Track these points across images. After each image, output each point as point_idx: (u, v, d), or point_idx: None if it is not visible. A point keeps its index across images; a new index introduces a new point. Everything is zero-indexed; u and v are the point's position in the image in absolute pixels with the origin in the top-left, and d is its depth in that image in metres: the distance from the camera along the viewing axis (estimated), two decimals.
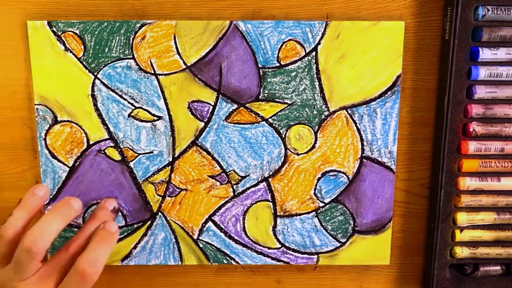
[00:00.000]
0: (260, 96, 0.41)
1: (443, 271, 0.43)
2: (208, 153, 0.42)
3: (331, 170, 0.42)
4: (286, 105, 0.41)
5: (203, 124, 0.41)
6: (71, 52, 0.40)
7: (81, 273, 0.34)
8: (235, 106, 0.41)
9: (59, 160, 0.41)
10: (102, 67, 0.40)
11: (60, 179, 0.42)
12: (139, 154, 0.42)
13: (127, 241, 0.43)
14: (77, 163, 0.41)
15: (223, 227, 0.43)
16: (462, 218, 0.42)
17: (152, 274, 0.44)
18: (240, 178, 0.42)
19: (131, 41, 0.40)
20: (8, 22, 0.40)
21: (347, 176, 0.42)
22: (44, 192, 0.37)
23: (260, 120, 0.41)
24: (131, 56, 0.40)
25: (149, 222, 0.43)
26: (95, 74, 0.40)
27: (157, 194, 0.42)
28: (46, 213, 0.36)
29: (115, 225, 0.37)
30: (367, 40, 0.40)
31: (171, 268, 0.44)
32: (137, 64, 0.40)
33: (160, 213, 0.42)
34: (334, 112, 0.41)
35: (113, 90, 0.41)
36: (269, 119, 0.41)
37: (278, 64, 0.40)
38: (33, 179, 0.42)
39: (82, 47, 0.40)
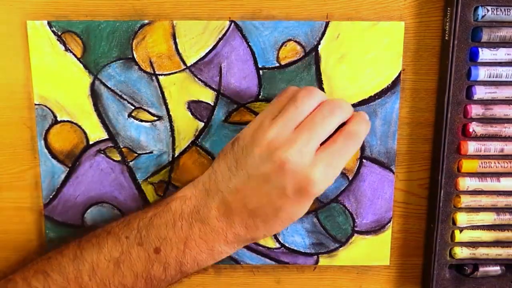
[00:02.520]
0: (260, 96, 0.41)
1: (442, 271, 0.43)
2: (208, 153, 0.42)
3: None
4: None
5: (203, 124, 0.41)
6: (71, 52, 0.40)
7: (351, 132, 0.35)
8: (235, 106, 0.41)
9: (58, 160, 0.41)
10: (102, 67, 0.40)
11: (60, 179, 0.42)
12: (139, 154, 0.42)
13: None
14: (77, 163, 0.41)
15: None
16: (461, 218, 0.42)
17: None
18: None
19: (131, 41, 0.40)
20: (8, 22, 0.40)
21: (346, 176, 0.42)
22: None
23: None
24: (131, 56, 0.40)
25: None
26: (95, 74, 0.40)
27: (157, 194, 0.42)
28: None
29: (367, 116, 0.38)
30: (367, 40, 0.40)
31: None
32: (137, 64, 0.40)
33: None
34: None
35: (113, 90, 0.40)
36: None
37: (278, 65, 0.40)
38: (32, 179, 0.42)
39: (82, 47, 0.40)
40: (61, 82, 0.40)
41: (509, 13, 0.38)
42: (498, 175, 0.41)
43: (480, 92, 0.40)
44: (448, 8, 0.39)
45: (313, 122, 0.34)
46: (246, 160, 0.34)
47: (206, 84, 0.41)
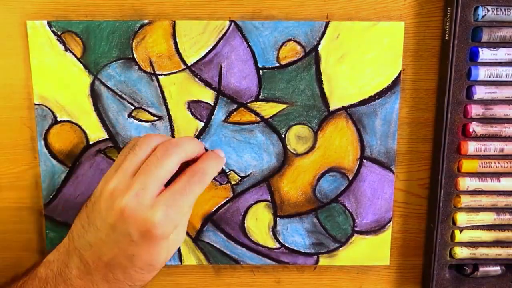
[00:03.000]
0: (260, 96, 0.41)
1: (442, 271, 0.43)
2: None
3: (331, 170, 0.42)
4: (286, 105, 0.41)
5: (202, 124, 0.41)
6: (71, 52, 0.40)
7: (196, 170, 0.35)
8: (235, 106, 0.41)
9: (58, 160, 0.41)
10: (102, 67, 0.40)
11: (60, 179, 0.42)
12: None
13: None
14: (77, 163, 0.41)
15: (222, 227, 0.43)
16: (461, 218, 0.42)
17: None
18: (240, 178, 0.42)
19: (131, 41, 0.40)
20: (8, 22, 0.40)
21: (346, 176, 0.42)
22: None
23: (260, 120, 0.41)
24: (131, 56, 0.40)
25: None
26: (95, 74, 0.40)
27: None
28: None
29: (223, 153, 0.39)
30: (367, 40, 0.40)
31: (171, 268, 0.44)
32: (137, 64, 0.40)
33: None
34: (334, 112, 0.41)
35: (112, 90, 0.40)
36: (269, 119, 0.41)
37: (278, 64, 0.40)
38: (32, 179, 0.42)
39: (82, 47, 0.40)
40: (61, 82, 0.40)
41: (509, 13, 0.38)
42: (498, 175, 0.41)
43: (480, 92, 0.40)
44: (448, 8, 0.39)
45: (148, 165, 0.34)
46: (95, 214, 0.34)
47: (206, 84, 0.41)
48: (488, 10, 0.38)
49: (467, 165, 0.41)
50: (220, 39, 0.40)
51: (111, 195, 0.34)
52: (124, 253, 0.34)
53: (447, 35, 0.39)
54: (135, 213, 0.33)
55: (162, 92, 0.41)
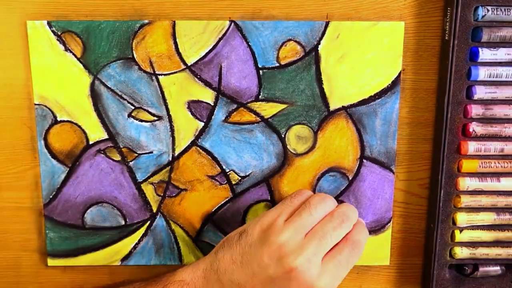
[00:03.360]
0: (260, 96, 0.41)
1: (442, 271, 0.43)
2: (208, 153, 0.42)
3: (331, 170, 0.42)
4: (286, 105, 0.41)
5: (202, 124, 0.41)
6: (71, 52, 0.40)
7: (357, 243, 0.36)
8: (235, 106, 0.41)
9: (58, 160, 0.41)
10: (102, 67, 0.40)
11: (60, 179, 0.42)
12: (139, 154, 0.42)
13: (127, 241, 0.43)
14: (77, 163, 0.41)
15: (222, 227, 0.43)
16: (461, 218, 0.42)
17: (152, 274, 0.44)
18: (239, 178, 0.42)
19: (130, 41, 0.40)
20: (8, 22, 0.40)
21: (346, 176, 0.42)
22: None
23: (260, 120, 0.41)
24: (131, 56, 0.40)
25: (149, 222, 0.43)
26: (95, 74, 0.40)
27: (157, 194, 0.42)
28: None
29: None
30: (367, 40, 0.40)
31: (171, 268, 0.44)
32: (137, 64, 0.40)
33: (159, 213, 0.42)
34: (334, 112, 0.41)
35: (112, 90, 0.40)
36: (269, 119, 0.41)
37: (278, 64, 0.40)
38: (32, 179, 0.42)
39: (82, 47, 0.40)
40: (61, 82, 0.40)
41: (509, 13, 0.38)
42: (498, 175, 0.41)
43: (480, 92, 0.40)
44: (448, 8, 0.39)
45: (324, 232, 0.35)
46: (253, 258, 0.35)
47: (206, 84, 0.41)
48: (488, 10, 0.38)
49: (467, 165, 0.41)
50: (220, 39, 0.40)
51: (280, 248, 0.34)
52: None
53: (447, 35, 0.39)
54: (303, 277, 0.34)
55: (162, 92, 0.41)
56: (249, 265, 0.35)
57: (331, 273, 0.35)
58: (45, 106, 0.40)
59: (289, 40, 0.40)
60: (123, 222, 0.42)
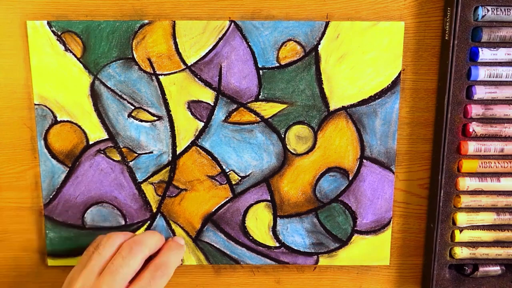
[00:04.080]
0: (260, 96, 0.41)
1: (442, 271, 0.43)
2: (208, 153, 0.42)
3: (331, 170, 0.42)
4: (286, 105, 0.41)
5: (202, 124, 0.41)
6: (71, 52, 0.40)
7: (159, 265, 0.37)
8: (235, 106, 0.41)
9: (58, 160, 0.41)
10: (102, 67, 0.40)
11: (60, 179, 0.42)
12: (139, 154, 0.42)
13: None
14: (77, 163, 0.41)
15: (223, 227, 0.43)
16: (461, 218, 0.42)
17: None
18: (239, 178, 0.42)
19: (130, 41, 0.40)
20: (8, 22, 0.40)
21: (346, 176, 0.42)
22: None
23: (260, 120, 0.41)
24: (130, 56, 0.40)
25: (149, 222, 0.43)
26: (95, 74, 0.40)
27: (157, 194, 0.42)
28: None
29: (182, 240, 0.42)
30: (367, 40, 0.40)
31: None
32: (137, 64, 0.40)
33: (159, 213, 0.42)
34: (334, 112, 0.41)
35: (112, 90, 0.40)
36: (269, 119, 0.41)
37: (278, 64, 0.40)
38: (32, 179, 0.42)
39: (82, 47, 0.40)
40: (61, 82, 0.40)
41: (509, 13, 0.38)
42: (498, 175, 0.41)
43: (480, 92, 0.40)
44: (448, 8, 0.39)
45: (113, 264, 0.36)
46: None
47: (206, 84, 0.41)
48: (488, 10, 0.38)
49: (467, 165, 0.41)
50: (220, 39, 0.40)
51: None
52: None
53: (447, 35, 0.39)
54: None
55: (162, 92, 0.41)
56: None
57: None
58: (45, 106, 0.40)
59: (289, 40, 0.40)
60: (123, 222, 0.42)
